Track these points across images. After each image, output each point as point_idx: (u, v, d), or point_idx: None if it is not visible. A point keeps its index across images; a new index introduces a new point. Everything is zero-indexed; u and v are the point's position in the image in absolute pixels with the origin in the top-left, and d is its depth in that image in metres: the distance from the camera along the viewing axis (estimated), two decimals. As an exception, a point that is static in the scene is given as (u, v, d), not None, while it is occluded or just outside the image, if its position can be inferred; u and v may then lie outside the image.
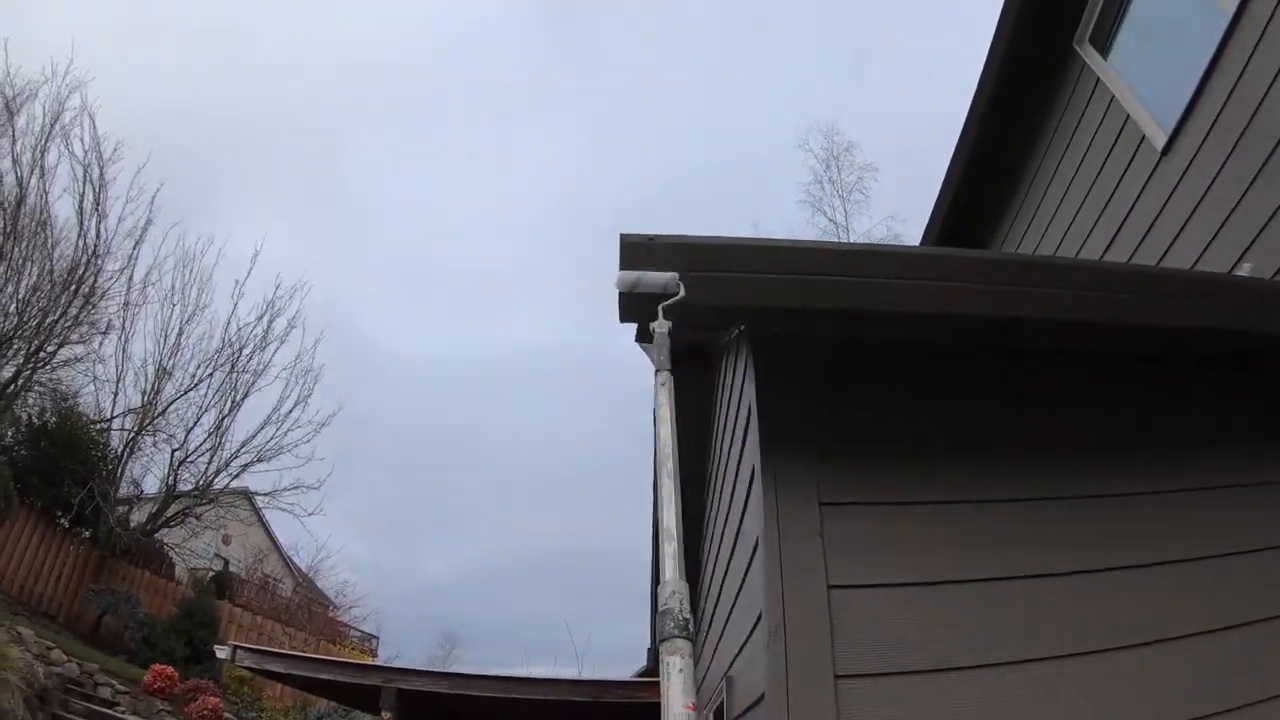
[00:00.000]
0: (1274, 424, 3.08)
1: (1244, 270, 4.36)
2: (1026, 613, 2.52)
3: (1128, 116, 5.42)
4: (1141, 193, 5.34)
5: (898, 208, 26.43)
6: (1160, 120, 5.16)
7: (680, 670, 1.42)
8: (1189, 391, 3.16)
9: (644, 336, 2.48)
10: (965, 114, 6.65)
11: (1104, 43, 5.67)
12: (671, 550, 1.59)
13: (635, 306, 2.46)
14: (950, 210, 7.31)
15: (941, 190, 7.35)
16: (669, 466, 1.83)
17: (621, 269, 2.36)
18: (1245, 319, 2.94)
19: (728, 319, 2.71)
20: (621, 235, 2.36)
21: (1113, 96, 5.54)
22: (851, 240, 24.85)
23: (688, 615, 1.49)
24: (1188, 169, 4.92)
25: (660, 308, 2.30)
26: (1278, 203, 4.21)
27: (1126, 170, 5.47)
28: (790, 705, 2.19)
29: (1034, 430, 2.94)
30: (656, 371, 2.17)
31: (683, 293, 2.30)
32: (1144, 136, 5.29)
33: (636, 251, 2.40)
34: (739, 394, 3.14)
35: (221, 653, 10.63)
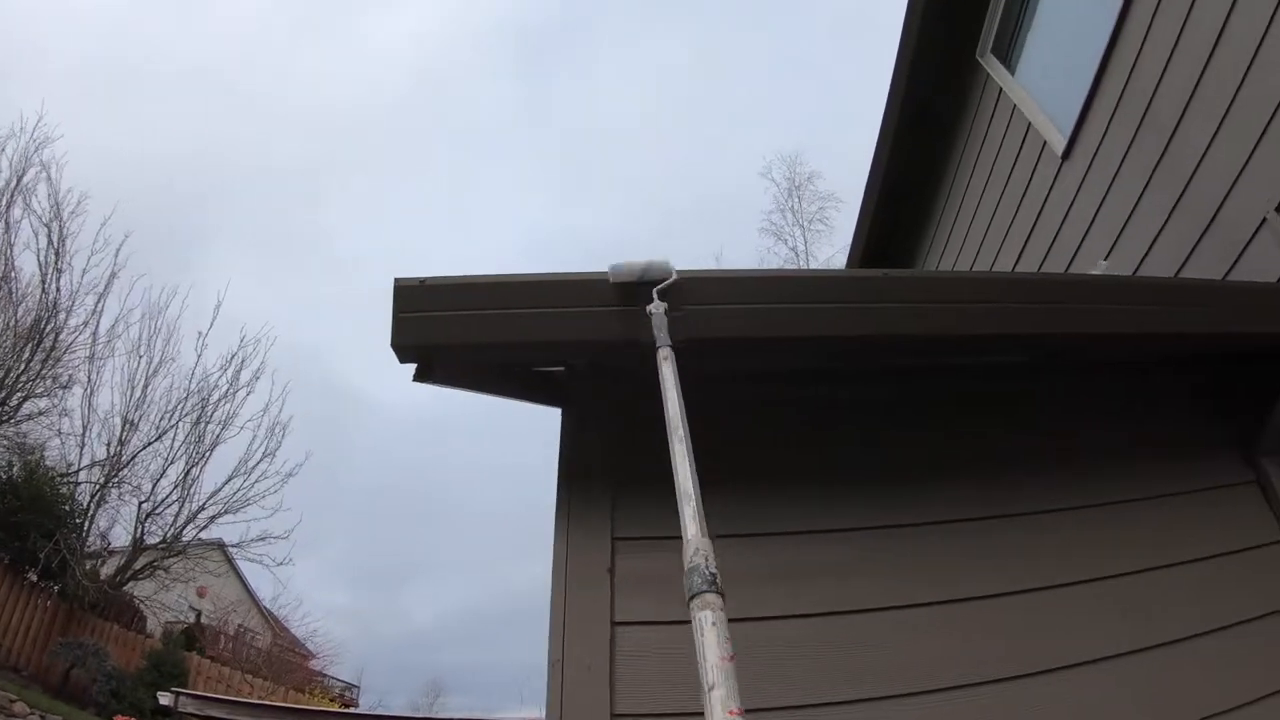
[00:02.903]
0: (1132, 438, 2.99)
1: (1099, 269, 4.14)
2: (834, 652, 2.29)
3: (1029, 124, 5.22)
4: (1047, 199, 5.13)
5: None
6: (1060, 125, 4.96)
7: (714, 624, 1.35)
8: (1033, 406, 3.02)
9: (422, 377, 2.41)
10: (877, 133, 6.44)
11: (1006, 52, 5.49)
12: (690, 510, 1.61)
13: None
14: (872, 230, 7.09)
15: (861, 211, 7.14)
16: (680, 433, 1.82)
17: (395, 312, 2.31)
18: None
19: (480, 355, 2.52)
20: (395, 279, 2.34)
21: (1014, 105, 5.34)
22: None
23: (714, 570, 1.44)
24: (1088, 171, 4.71)
25: (655, 291, 2.30)
26: (1176, 197, 3.99)
27: (1032, 177, 5.27)
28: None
29: (853, 457, 2.71)
30: (658, 348, 2.09)
31: (674, 277, 2.34)
32: (1045, 143, 5.08)
33: (409, 293, 2.33)
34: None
35: (164, 699, 10.12)
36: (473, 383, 2.54)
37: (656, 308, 2.25)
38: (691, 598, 1.42)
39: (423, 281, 2.31)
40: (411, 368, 2.42)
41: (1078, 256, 4.84)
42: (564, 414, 2.57)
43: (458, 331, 2.31)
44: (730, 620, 2.15)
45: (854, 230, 7.35)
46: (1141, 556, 2.80)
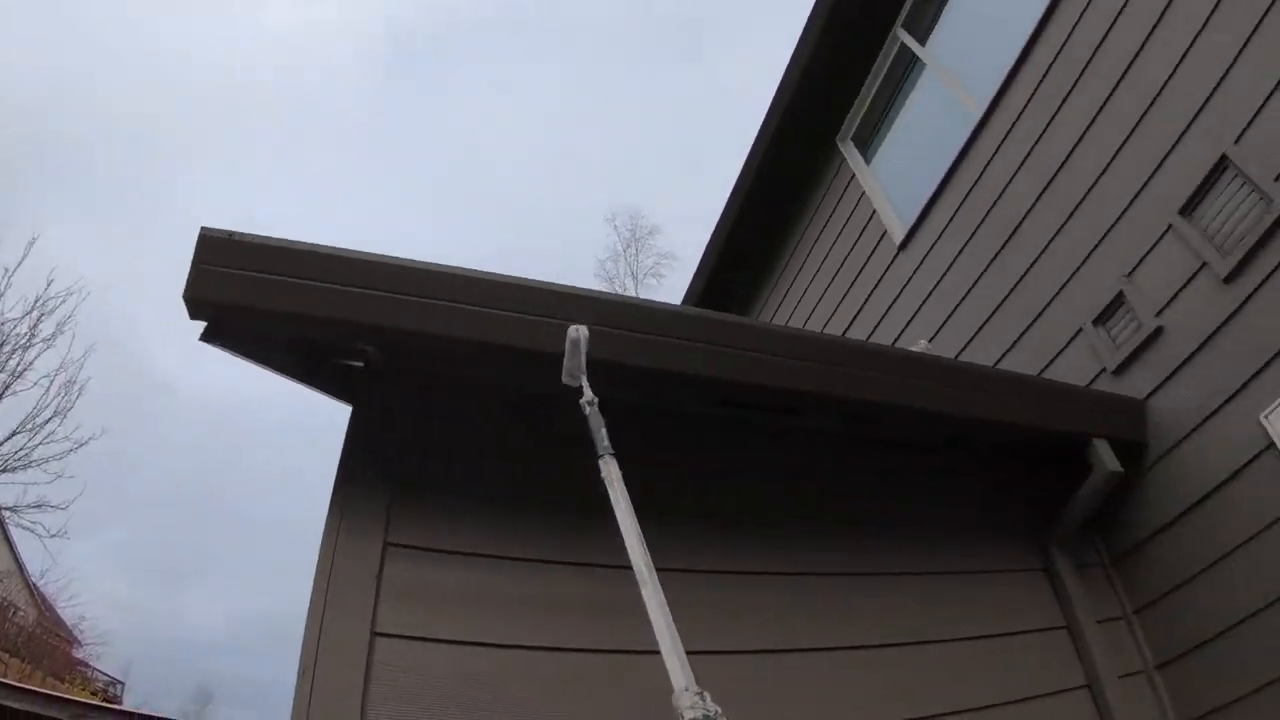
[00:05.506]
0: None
1: (920, 347, 4.35)
2: (587, 689, 2.22)
3: (874, 211, 5.46)
4: (879, 284, 5.36)
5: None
6: (902, 217, 5.22)
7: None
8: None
9: (211, 337, 2.15)
10: (728, 196, 6.56)
11: (865, 142, 5.76)
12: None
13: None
14: (706, 289, 7.18)
15: (699, 268, 7.24)
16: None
17: (195, 262, 2.04)
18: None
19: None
20: (202, 227, 2.09)
21: (863, 192, 5.58)
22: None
23: None
24: (921, 264, 4.96)
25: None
26: (1002, 298, 4.24)
27: (868, 262, 5.50)
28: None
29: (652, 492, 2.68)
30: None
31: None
32: (886, 231, 5.32)
33: (215, 246, 2.08)
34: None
35: None
36: (264, 356, 2.30)
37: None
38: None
39: (231, 235, 2.09)
40: (201, 326, 2.16)
41: (899, 340, 5.06)
42: (354, 410, 2.39)
43: (259, 295, 2.09)
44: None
45: (687, 288, 7.42)
46: (928, 628, 2.87)
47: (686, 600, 2.35)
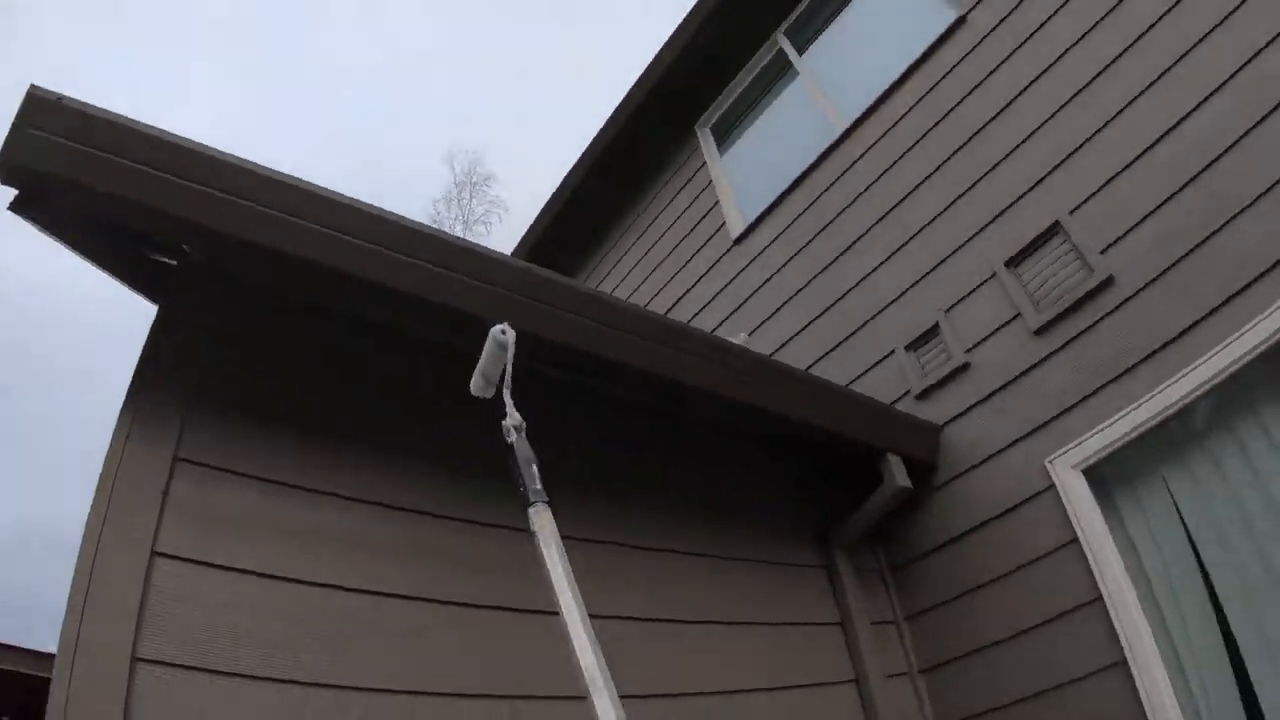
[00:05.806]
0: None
1: (739, 340, 4.51)
2: (388, 632, 2.16)
3: (717, 202, 5.56)
4: (709, 272, 5.47)
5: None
6: (744, 213, 5.35)
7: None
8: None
9: (22, 207, 1.91)
10: (578, 156, 6.48)
11: (723, 133, 5.85)
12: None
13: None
14: (537, 246, 7.07)
15: (532, 226, 7.13)
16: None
17: (17, 123, 1.81)
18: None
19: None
20: (32, 85, 1.84)
21: (710, 181, 5.67)
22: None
23: None
24: (753, 261, 5.10)
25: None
26: (827, 305, 4.44)
27: (701, 249, 5.60)
28: (71, 681, 1.66)
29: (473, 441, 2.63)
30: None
31: None
32: (725, 223, 5.43)
33: (43, 107, 1.84)
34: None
35: None
36: (72, 238, 2.08)
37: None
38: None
39: (61, 99, 1.87)
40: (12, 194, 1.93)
41: (719, 330, 5.19)
42: (159, 311, 2.20)
43: (81, 170, 1.88)
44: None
45: (520, 240, 7.28)
46: (716, 609, 2.97)
47: (498, 553, 2.37)
